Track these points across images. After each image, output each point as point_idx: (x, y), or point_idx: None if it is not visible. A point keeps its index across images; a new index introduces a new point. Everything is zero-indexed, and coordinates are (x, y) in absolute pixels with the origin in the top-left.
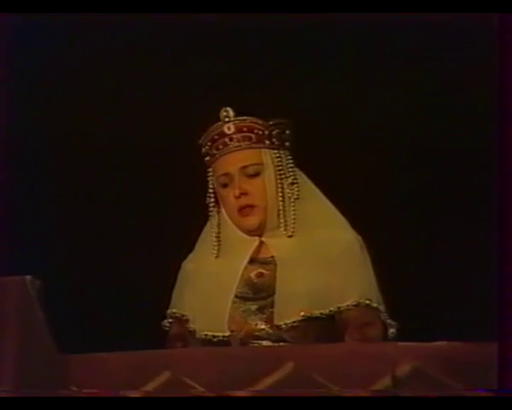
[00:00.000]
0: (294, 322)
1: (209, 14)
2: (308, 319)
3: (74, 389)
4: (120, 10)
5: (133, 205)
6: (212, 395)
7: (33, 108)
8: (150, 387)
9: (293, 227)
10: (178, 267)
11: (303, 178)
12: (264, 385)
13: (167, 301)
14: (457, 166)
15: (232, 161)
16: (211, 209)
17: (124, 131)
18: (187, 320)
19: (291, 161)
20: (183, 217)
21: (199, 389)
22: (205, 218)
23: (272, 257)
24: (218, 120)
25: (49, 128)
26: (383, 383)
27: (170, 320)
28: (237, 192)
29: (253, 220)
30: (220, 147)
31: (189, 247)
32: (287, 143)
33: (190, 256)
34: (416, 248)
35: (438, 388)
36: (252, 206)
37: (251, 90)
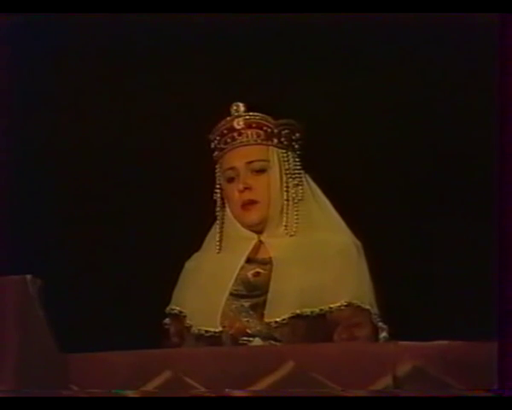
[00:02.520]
0: (284, 320)
1: (223, 14)
2: (297, 317)
3: (74, 388)
4: (128, 10)
5: (137, 203)
6: (212, 394)
7: (33, 108)
8: (151, 386)
9: (295, 228)
10: (182, 267)
11: (308, 180)
12: (264, 384)
13: (168, 301)
14: (457, 170)
15: (239, 156)
16: (217, 206)
17: (130, 129)
18: (184, 317)
19: (298, 163)
20: (188, 217)
21: (199, 389)
22: (212, 218)
23: (270, 257)
24: (228, 116)
25: (49, 127)
26: (384, 383)
27: (169, 317)
28: (241, 186)
29: (254, 215)
30: (228, 141)
31: (194, 247)
32: (296, 146)
33: (194, 256)
34: (417, 251)
35: (438, 387)
36: (255, 201)
37: (262, 88)
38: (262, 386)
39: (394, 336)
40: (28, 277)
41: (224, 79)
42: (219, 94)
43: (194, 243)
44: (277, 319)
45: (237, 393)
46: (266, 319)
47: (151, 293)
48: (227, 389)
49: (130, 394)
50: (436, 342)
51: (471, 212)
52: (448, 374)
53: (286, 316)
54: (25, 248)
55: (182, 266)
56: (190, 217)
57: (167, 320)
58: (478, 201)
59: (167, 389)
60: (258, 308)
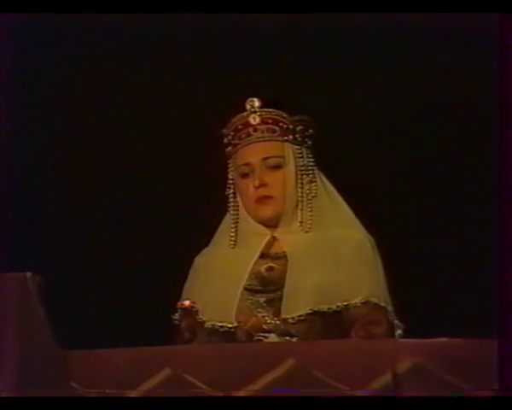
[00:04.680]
0: (301, 316)
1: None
2: (314, 314)
3: (74, 385)
4: (144, 9)
5: (137, 200)
6: (212, 392)
7: (33, 107)
8: (151, 383)
9: (310, 224)
10: (191, 263)
11: (321, 177)
12: (264, 382)
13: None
14: (461, 169)
15: (254, 152)
16: (230, 201)
17: (140, 123)
18: (196, 312)
19: (312, 159)
20: (193, 213)
21: (199, 386)
22: (220, 215)
23: (284, 252)
24: (239, 112)
25: (50, 126)
26: (384, 380)
27: (180, 313)
28: (257, 182)
29: (269, 210)
30: (243, 137)
31: (198, 243)
32: (309, 142)
33: (204, 251)
34: (420, 248)
35: (438, 384)
36: (270, 196)
37: (276, 84)
38: (262, 383)
39: (402, 335)
40: (28, 274)
41: (237, 76)
42: (230, 90)
43: (197, 239)
44: (294, 315)
45: (237, 392)
46: (283, 315)
47: (151, 290)
48: (227, 390)
49: (131, 393)
50: (436, 340)
51: (472, 210)
52: (448, 371)
53: (303, 312)
54: (25, 245)
55: (184, 262)
56: (195, 212)
57: (176, 316)
58: (479, 199)
59: (167, 387)
60: (275, 304)
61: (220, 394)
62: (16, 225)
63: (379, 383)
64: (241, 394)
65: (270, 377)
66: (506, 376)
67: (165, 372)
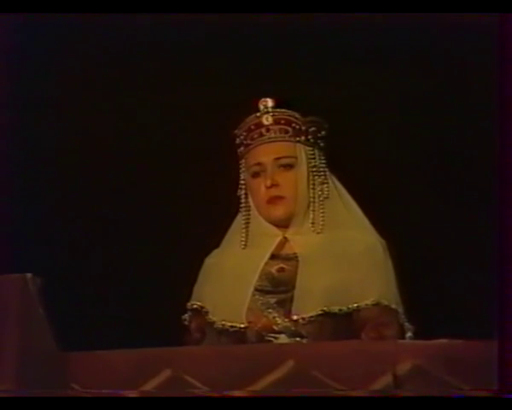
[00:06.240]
0: (312, 317)
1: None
2: (325, 315)
3: (75, 386)
4: (157, 9)
5: (146, 200)
6: (212, 393)
7: (34, 107)
8: (151, 385)
9: (321, 225)
10: (201, 263)
11: (333, 179)
12: (264, 383)
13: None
14: (463, 169)
15: (266, 152)
16: (241, 201)
17: (150, 123)
18: (206, 312)
19: (324, 161)
20: (201, 215)
21: (199, 387)
22: (231, 215)
23: (295, 253)
24: (252, 112)
25: (50, 126)
26: (384, 382)
27: (189, 313)
28: (269, 182)
29: (280, 210)
30: (255, 137)
31: (208, 243)
32: (321, 143)
33: (215, 252)
34: (430, 251)
35: (438, 386)
36: (281, 197)
37: (289, 85)
38: (262, 385)
39: (412, 338)
40: (28, 275)
41: (250, 76)
42: (243, 90)
43: (208, 240)
44: (305, 316)
45: (237, 393)
46: (294, 316)
47: (151, 291)
48: (227, 391)
49: (131, 394)
50: (436, 341)
51: (473, 211)
52: (448, 373)
53: (314, 313)
54: (25, 246)
55: (195, 263)
56: (206, 213)
57: (186, 316)
58: (479, 200)
59: (167, 388)
60: (285, 305)
61: (220, 395)
62: (16, 225)
63: (379, 385)
64: (241, 394)
65: (271, 378)
66: (506, 377)
67: (166, 374)
